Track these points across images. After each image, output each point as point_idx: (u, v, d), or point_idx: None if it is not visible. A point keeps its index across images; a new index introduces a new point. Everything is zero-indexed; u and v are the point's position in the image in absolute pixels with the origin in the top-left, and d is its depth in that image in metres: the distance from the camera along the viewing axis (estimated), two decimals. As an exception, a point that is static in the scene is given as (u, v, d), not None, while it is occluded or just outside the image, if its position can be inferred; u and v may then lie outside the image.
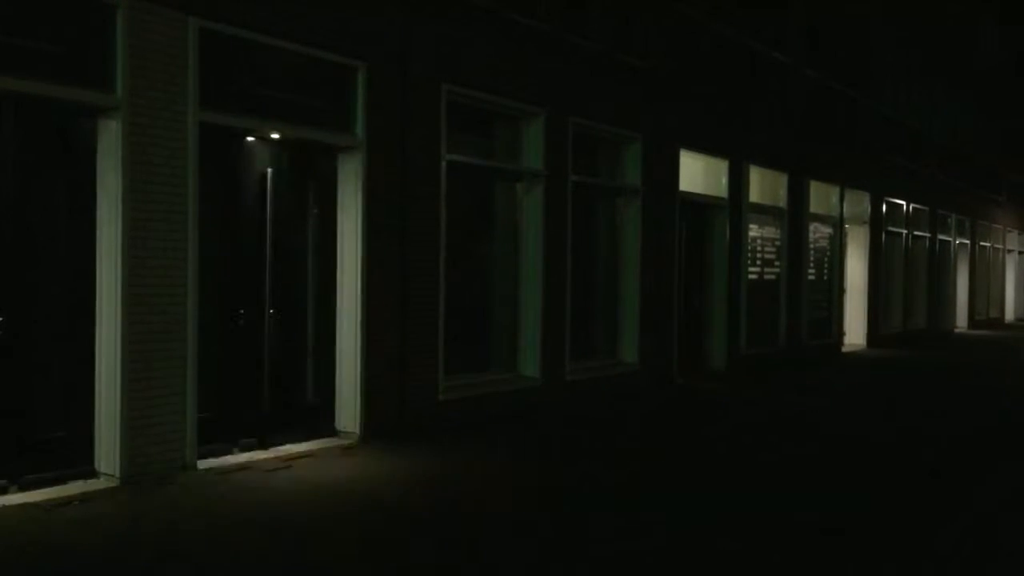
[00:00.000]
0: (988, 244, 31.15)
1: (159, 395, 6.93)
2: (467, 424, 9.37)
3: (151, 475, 6.83)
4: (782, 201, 16.70)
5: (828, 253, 18.97)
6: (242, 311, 7.92)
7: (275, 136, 8.10)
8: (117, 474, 6.70)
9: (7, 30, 6.26)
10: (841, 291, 19.54)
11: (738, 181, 14.96)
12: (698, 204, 14.27)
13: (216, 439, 7.57)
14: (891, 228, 22.06)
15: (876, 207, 20.98)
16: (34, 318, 6.60)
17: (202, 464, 7.25)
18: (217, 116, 7.35)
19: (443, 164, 9.42)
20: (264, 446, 7.93)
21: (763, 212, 16.06)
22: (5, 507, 6.07)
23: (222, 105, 7.42)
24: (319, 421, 8.56)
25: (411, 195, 9.11)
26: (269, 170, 8.12)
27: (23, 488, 6.36)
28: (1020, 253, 35.21)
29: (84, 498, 6.37)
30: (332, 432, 8.60)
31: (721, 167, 14.69)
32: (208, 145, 7.30)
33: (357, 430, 8.58)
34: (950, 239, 26.60)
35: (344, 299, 8.66)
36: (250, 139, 8.02)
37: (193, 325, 7.12)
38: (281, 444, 8.06)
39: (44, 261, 6.67)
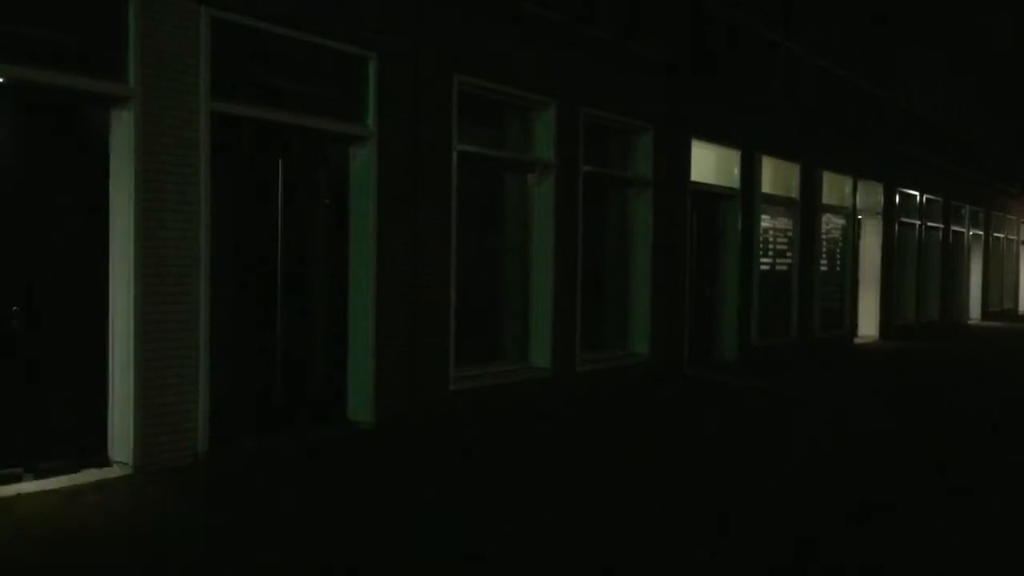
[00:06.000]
0: (1002, 235, 30.99)
1: (172, 384, 6.95)
2: (478, 414, 9.38)
3: (164, 464, 6.86)
4: (795, 192, 16.64)
5: (841, 244, 18.89)
6: (254, 301, 7.94)
7: (287, 126, 8.10)
8: (130, 463, 6.73)
9: (21, 20, 6.27)
10: (854, 282, 19.47)
11: (750, 172, 14.91)
12: (710, 195, 14.23)
13: (228, 429, 7.60)
14: (904, 219, 21.96)
15: (889, 198, 20.88)
16: (48, 308, 6.63)
17: (215, 453, 7.27)
18: (229, 106, 7.36)
19: (454, 154, 9.41)
20: (276, 435, 7.95)
21: (775, 203, 16.00)
22: (22, 495, 6.11)
23: (234, 95, 7.43)
24: (332, 410, 8.59)
25: (422, 185, 9.11)
26: (280, 160, 8.13)
27: (39, 476, 6.40)
28: (1034, 244, 35.02)
29: (97, 487, 6.40)
30: (344, 421, 8.62)
31: (733, 157, 14.63)
32: (220, 135, 7.31)
33: (370, 419, 8.60)
34: (963, 230, 26.46)
35: (356, 289, 8.67)
36: (262, 129, 8.02)
37: (205, 314, 7.14)
38: (293, 434, 8.08)
39: (57, 250, 6.69)
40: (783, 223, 16.40)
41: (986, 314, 28.26)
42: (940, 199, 24.21)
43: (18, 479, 6.34)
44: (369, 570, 5.04)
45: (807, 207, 16.93)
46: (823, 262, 17.89)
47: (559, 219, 10.85)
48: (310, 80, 8.34)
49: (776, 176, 16.02)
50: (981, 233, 28.11)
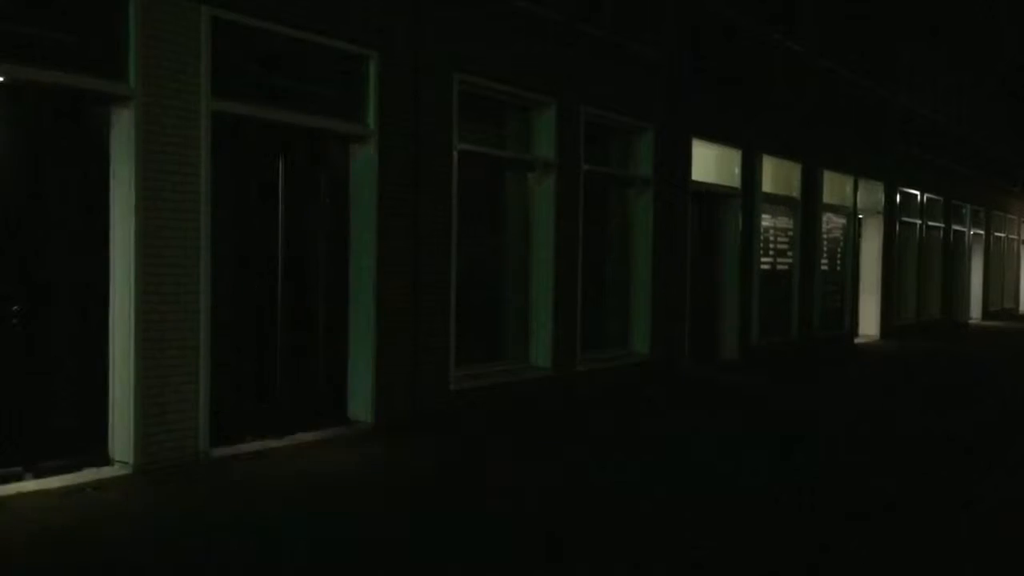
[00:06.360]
0: (1003, 234, 30.97)
1: (172, 384, 6.94)
2: (478, 414, 9.38)
3: (164, 463, 6.86)
4: (796, 191, 16.63)
5: (842, 244, 18.88)
6: (254, 299, 7.94)
7: (287, 125, 8.09)
8: (130, 462, 6.73)
9: (21, 19, 6.26)
10: (855, 282, 19.46)
11: (751, 171, 14.90)
12: (711, 194, 14.21)
13: (229, 428, 7.59)
14: (905, 218, 21.95)
15: (890, 197, 20.87)
16: (48, 307, 6.63)
17: (216, 452, 7.28)
18: (229, 105, 7.35)
19: (455, 153, 9.40)
20: (277, 435, 7.94)
21: (776, 202, 15.99)
22: (20, 494, 6.11)
23: (235, 94, 7.42)
24: (332, 409, 8.58)
25: (423, 185, 9.10)
26: (281, 159, 8.13)
27: (38, 475, 6.40)
28: (1035, 244, 35.01)
29: (97, 486, 6.40)
30: (345, 421, 8.62)
31: (734, 157, 14.62)
32: (220, 134, 7.31)
33: (369, 419, 8.60)
34: (964, 229, 26.44)
35: (356, 289, 8.66)
36: (262, 128, 8.01)
37: (206, 314, 7.14)
38: (293, 432, 8.07)
39: (57, 250, 6.68)
40: (784, 222, 16.39)
41: (986, 314, 28.24)
42: (941, 198, 24.19)
43: (18, 478, 6.34)
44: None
45: (808, 206, 16.92)
46: (824, 261, 17.89)
47: (559, 218, 10.84)
48: (311, 79, 8.33)
49: (777, 175, 16.01)
50: (982, 232, 28.10)
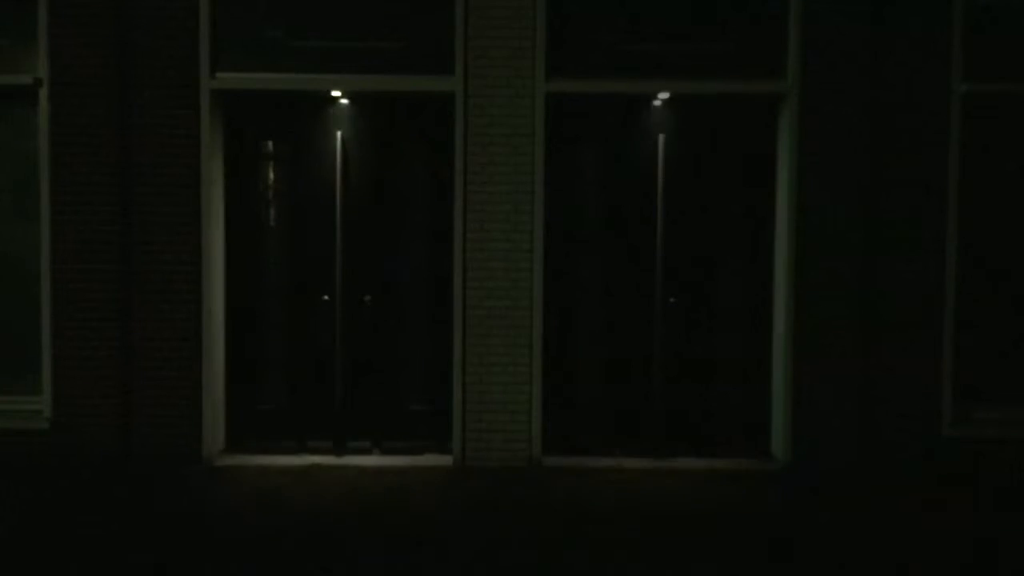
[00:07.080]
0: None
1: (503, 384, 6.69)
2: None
3: (494, 461, 6.67)
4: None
5: None
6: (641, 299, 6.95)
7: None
8: (455, 456, 6.75)
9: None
10: None
11: None
12: None
13: (561, 438, 6.88)
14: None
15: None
16: (399, 297, 7.01)
17: (549, 461, 6.73)
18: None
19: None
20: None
21: None
22: (360, 467, 6.75)
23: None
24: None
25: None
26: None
27: (384, 452, 6.97)
28: None
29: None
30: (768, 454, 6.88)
31: None
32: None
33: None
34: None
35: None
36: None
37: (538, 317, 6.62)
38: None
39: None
40: None
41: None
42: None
43: (368, 452, 6.98)
44: None
45: None
46: None
47: None
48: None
49: None
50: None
